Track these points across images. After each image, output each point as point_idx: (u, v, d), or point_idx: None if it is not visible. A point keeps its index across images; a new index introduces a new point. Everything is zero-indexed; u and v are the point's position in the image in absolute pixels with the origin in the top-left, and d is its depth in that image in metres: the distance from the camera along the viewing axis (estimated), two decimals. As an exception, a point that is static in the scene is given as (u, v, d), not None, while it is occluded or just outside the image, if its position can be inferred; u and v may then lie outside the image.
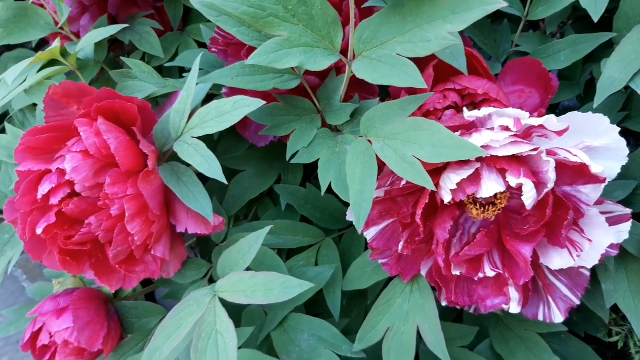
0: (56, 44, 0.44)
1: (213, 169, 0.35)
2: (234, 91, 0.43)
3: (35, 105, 0.52)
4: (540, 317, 0.39)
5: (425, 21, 0.32)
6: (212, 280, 0.46)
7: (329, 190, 0.39)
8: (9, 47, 0.81)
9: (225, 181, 0.35)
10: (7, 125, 0.51)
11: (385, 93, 0.45)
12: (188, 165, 0.39)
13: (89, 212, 0.38)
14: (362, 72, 0.34)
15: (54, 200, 0.37)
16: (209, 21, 0.53)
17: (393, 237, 0.40)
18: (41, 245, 0.40)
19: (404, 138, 0.34)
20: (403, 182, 0.37)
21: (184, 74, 0.47)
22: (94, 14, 0.52)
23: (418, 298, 0.40)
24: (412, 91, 0.39)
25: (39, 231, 0.37)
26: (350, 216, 0.42)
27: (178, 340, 0.35)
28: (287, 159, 0.41)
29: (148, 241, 0.38)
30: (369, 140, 0.36)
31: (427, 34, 0.32)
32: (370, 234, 0.40)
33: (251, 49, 0.36)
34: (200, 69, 0.47)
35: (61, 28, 0.49)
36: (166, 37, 0.54)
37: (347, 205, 0.47)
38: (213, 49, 0.45)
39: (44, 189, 0.37)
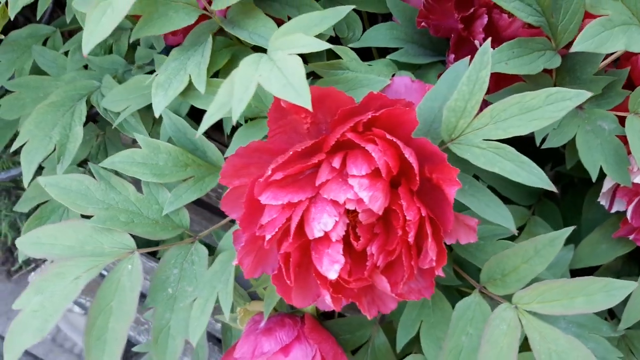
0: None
1: (535, 176, 0.31)
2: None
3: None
4: None
5: None
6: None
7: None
8: (14, 24, 0.65)
9: (555, 189, 0.31)
10: (138, 136, 0.41)
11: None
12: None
13: (368, 240, 0.32)
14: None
15: (334, 236, 0.31)
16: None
17: (648, 211, 0.39)
18: (307, 289, 0.33)
19: None
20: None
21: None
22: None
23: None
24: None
25: (332, 276, 0.31)
26: (604, 199, 0.40)
27: None
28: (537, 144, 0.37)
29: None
30: None
31: None
32: (628, 211, 0.39)
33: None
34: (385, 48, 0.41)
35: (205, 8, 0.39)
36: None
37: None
38: (423, 24, 0.38)
39: (324, 224, 0.30)
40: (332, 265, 0.31)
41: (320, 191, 0.31)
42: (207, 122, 0.33)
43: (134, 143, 0.58)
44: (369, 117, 0.30)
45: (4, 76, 0.61)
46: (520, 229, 0.45)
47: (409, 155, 0.30)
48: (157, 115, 0.37)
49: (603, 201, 0.40)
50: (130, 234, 0.41)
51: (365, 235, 0.32)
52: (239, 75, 0.30)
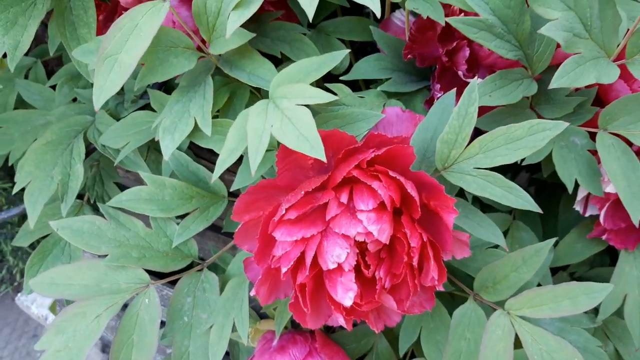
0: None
1: (522, 199, 0.34)
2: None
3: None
4: None
5: None
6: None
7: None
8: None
9: (540, 210, 0.34)
10: (144, 174, 0.43)
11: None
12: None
13: (375, 266, 0.35)
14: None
15: (347, 266, 0.33)
16: (360, 11, 0.48)
17: (617, 214, 0.43)
18: (320, 312, 0.36)
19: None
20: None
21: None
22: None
23: (644, 263, 0.45)
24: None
25: (347, 303, 0.34)
26: (579, 206, 0.44)
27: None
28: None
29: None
30: (616, 135, 0.37)
31: None
32: (601, 215, 0.43)
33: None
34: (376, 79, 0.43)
35: (201, 48, 0.40)
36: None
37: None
38: (409, 56, 0.41)
39: (337, 257, 0.33)
40: (346, 293, 0.34)
41: (331, 225, 0.34)
42: (220, 168, 0.35)
43: (127, 172, 0.59)
44: (372, 156, 0.33)
45: (-12, 110, 0.61)
46: (505, 233, 0.49)
47: (411, 189, 0.33)
48: (166, 158, 0.39)
49: (578, 207, 0.44)
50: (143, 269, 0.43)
51: (373, 261, 0.35)
52: (251, 126, 0.32)
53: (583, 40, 0.33)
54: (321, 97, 0.32)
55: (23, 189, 0.49)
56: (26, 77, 0.64)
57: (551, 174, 0.45)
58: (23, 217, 0.69)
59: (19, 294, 0.95)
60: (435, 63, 0.43)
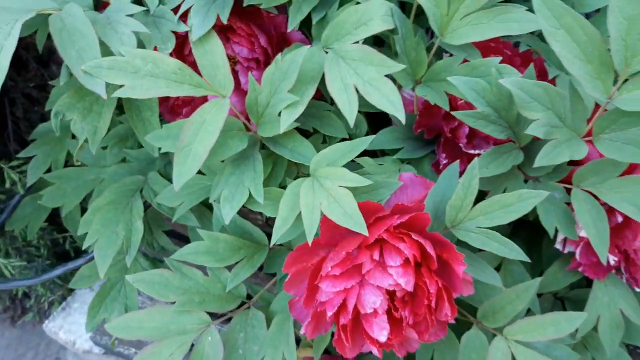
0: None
1: (514, 252, 0.44)
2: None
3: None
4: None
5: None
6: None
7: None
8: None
9: (528, 259, 0.44)
10: (202, 232, 0.51)
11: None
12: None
13: (402, 308, 0.44)
14: (607, 150, 0.44)
15: (381, 310, 0.43)
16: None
17: (590, 251, 0.53)
18: (356, 344, 0.45)
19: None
20: (619, 219, 0.49)
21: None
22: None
23: (613, 289, 0.54)
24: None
25: (382, 339, 0.43)
26: (559, 245, 0.54)
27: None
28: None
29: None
30: (587, 191, 0.47)
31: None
32: (576, 252, 0.53)
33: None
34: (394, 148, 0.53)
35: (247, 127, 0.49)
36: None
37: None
38: (419, 130, 0.51)
39: (373, 303, 0.42)
40: (381, 332, 0.43)
41: (366, 277, 0.43)
42: (277, 234, 0.44)
43: (169, 221, 0.67)
44: (398, 222, 0.43)
45: (42, 169, 0.69)
46: (498, 267, 0.59)
47: (430, 249, 0.42)
48: (226, 223, 0.47)
49: (558, 246, 0.54)
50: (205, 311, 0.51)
51: (400, 304, 0.44)
52: (303, 203, 0.42)
53: (558, 129, 0.43)
54: (359, 181, 0.41)
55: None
56: (73, 136, 0.72)
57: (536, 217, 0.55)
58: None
59: (46, 321, 1.02)
60: (439, 132, 0.52)
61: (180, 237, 0.72)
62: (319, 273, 0.44)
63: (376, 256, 0.43)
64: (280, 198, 0.48)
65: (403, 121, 0.40)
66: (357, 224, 0.39)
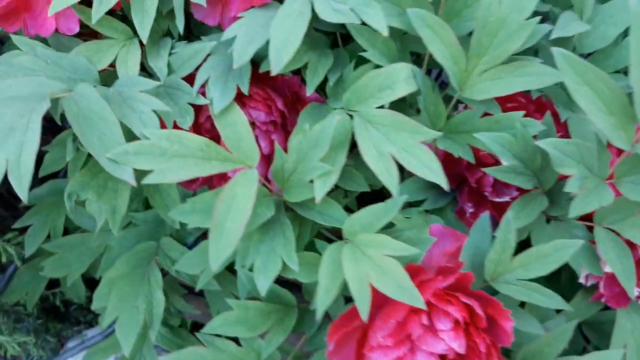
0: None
1: (556, 302, 0.44)
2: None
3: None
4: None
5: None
6: None
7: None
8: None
9: (570, 308, 0.45)
10: (230, 301, 0.50)
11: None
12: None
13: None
14: (629, 193, 0.46)
15: (435, 373, 0.43)
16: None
17: (612, 283, 0.55)
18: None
19: None
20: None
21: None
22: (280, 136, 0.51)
23: (634, 316, 0.56)
24: None
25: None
26: (582, 279, 0.55)
27: None
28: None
29: None
30: (609, 229, 0.49)
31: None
32: (600, 286, 0.54)
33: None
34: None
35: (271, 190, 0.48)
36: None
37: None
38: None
39: (427, 369, 0.42)
40: (436, 395, 0.43)
41: (417, 343, 0.43)
42: (322, 307, 0.43)
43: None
44: (445, 285, 0.42)
45: (40, 237, 0.66)
46: (522, 304, 0.60)
47: (478, 309, 0.42)
48: (263, 294, 0.46)
49: (582, 280, 0.55)
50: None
51: (451, 366, 0.44)
52: (350, 275, 0.41)
53: (588, 179, 0.44)
54: (405, 250, 0.41)
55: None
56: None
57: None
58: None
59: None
60: (461, 180, 0.52)
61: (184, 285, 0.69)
62: (367, 342, 0.43)
63: (425, 321, 0.43)
64: (313, 262, 0.47)
65: (446, 188, 0.40)
66: (414, 297, 0.39)
